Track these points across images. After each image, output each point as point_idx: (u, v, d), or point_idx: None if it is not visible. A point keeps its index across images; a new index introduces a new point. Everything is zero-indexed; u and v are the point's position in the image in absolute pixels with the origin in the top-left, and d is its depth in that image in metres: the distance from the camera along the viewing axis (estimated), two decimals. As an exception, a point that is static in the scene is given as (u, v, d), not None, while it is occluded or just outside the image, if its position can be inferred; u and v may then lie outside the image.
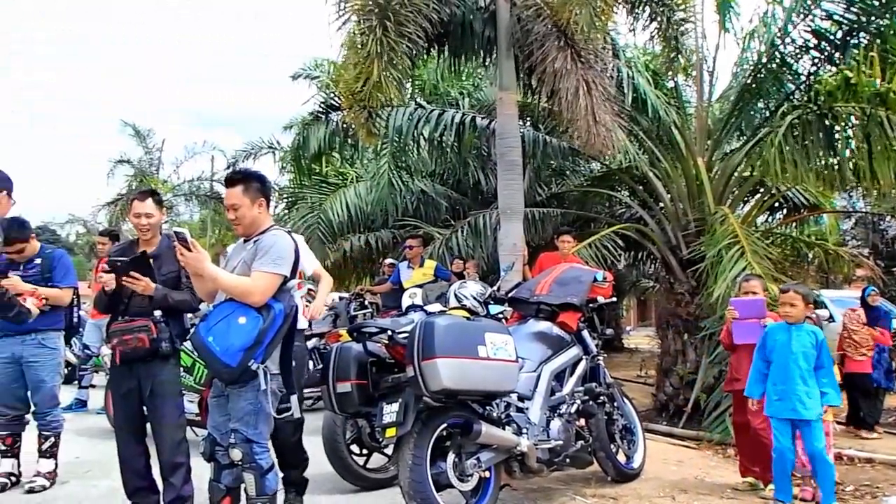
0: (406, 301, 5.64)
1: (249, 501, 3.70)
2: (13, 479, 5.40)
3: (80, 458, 6.29)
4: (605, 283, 5.76)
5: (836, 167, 8.00)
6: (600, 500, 5.20)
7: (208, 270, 3.58)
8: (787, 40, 9.26)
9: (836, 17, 8.90)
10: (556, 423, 4.93)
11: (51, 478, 5.45)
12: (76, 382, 9.62)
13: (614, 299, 6.20)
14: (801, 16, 9.06)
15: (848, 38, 8.90)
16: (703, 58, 10.08)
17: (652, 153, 10.15)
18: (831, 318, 10.39)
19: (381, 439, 4.53)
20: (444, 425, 4.30)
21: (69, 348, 7.98)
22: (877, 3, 8.57)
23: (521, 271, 8.36)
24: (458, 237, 11.73)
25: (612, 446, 5.55)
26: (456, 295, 5.52)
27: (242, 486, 3.73)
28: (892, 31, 8.31)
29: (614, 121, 8.49)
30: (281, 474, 4.42)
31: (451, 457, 4.29)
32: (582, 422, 5.31)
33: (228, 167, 20.89)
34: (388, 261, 11.82)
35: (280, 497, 4.05)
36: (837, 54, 9.00)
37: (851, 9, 8.71)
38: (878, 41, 8.30)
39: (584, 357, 5.46)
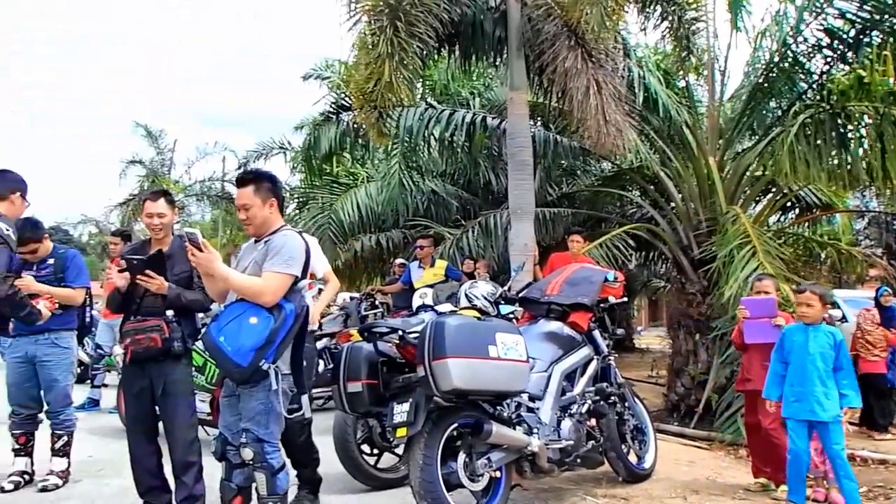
0: (417, 301, 5.64)
1: (260, 500, 3.72)
2: (27, 477, 5.44)
3: (93, 457, 6.32)
4: (615, 283, 5.75)
5: (849, 166, 7.96)
6: (611, 501, 5.19)
7: (219, 270, 3.59)
8: (800, 39, 9.21)
9: (849, 16, 8.85)
10: (566, 424, 4.92)
11: (64, 476, 5.48)
12: (89, 382, 9.67)
13: (625, 299, 6.19)
14: (814, 14, 9.01)
15: (861, 37, 8.85)
16: (715, 57, 10.05)
17: (663, 153, 10.12)
18: (844, 319, 10.33)
19: (391, 439, 4.52)
20: (455, 425, 4.29)
21: (82, 348, 8.01)
22: (890, 1, 8.51)
23: (531, 271, 8.36)
24: (469, 237, 11.73)
25: (623, 446, 5.54)
26: (467, 295, 5.52)
27: (253, 485, 3.74)
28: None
29: (625, 120, 8.47)
30: (294, 472, 4.44)
31: (461, 457, 4.29)
32: (593, 422, 5.30)
33: (239, 167, 20.97)
34: (399, 261, 11.83)
35: (291, 494, 4.06)
36: (850, 53, 8.96)
37: (864, 7, 8.66)
38: (892, 39, 8.26)
39: (594, 357, 5.45)
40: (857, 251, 12.27)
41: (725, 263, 7.88)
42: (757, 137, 9.98)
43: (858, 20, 8.80)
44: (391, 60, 8.12)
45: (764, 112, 9.90)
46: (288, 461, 4.09)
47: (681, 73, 10.25)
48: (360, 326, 5.96)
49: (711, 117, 10.03)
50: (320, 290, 5.40)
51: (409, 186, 13.82)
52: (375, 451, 5.50)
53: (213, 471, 4.19)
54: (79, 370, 7.10)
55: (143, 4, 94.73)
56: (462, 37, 9.61)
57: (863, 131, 7.74)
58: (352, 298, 11.05)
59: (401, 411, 4.25)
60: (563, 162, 13.01)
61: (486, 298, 5.46)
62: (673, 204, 10.43)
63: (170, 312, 4.31)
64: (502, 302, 5.61)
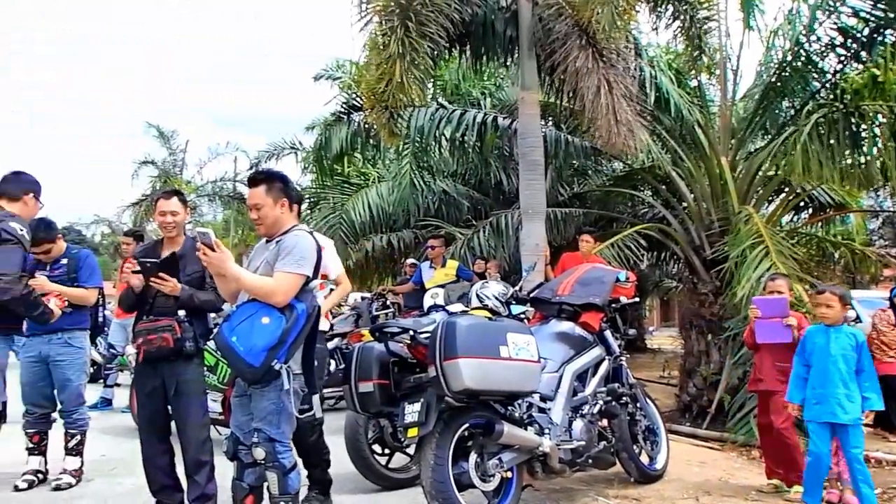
0: (428, 301, 5.64)
1: (272, 500, 3.73)
2: (40, 476, 5.47)
3: (106, 457, 6.35)
4: (627, 284, 5.73)
5: (863, 166, 7.91)
6: (623, 502, 5.18)
7: (231, 270, 3.59)
8: (813, 38, 9.15)
9: (862, 14, 8.79)
10: (578, 424, 4.91)
11: (77, 475, 5.51)
12: (101, 381, 9.71)
13: (637, 299, 6.17)
14: (827, 13, 8.95)
15: (875, 36, 8.79)
16: (727, 56, 10.01)
17: (675, 152, 10.09)
18: (858, 319, 10.25)
19: (403, 439, 4.52)
20: (466, 425, 4.29)
21: (95, 347, 8.06)
22: (904, -1, 8.46)
23: (543, 271, 8.35)
24: (480, 237, 11.72)
25: (634, 447, 5.53)
26: (478, 295, 5.52)
27: (265, 484, 3.75)
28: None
29: (636, 120, 8.44)
30: (305, 472, 4.45)
31: (473, 457, 4.29)
32: (604, 422, 5.29)
33: (251, 168, 21.03)
34: (410, 261, 11.84)
35: (302, 494, 4.07)
36: (864, 52, 8.90)
37: (878, 5, 8.59)
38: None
39: (606, 357, 5.44)
40: (871, 251, 12.19)
41: (738, 263, 7.84)
42: (770, 137, 9.93)
43: (872, 19, 8.74)
44: (402, 61, 8.12)
45: (777, 111, 9.85)
46: (299, 461, 4.10)
47: (693, 72, 10.21)
48: (372, 326, 5.97)
49: (724, 117, 9.99)
50: (331, 291, 5.41)
51: (420, 186, 13.81)
52: (387, 450, 5.51)
53: (224, 470, 4.21)
54: (92, 370, 7.14)
55: (143, 4, 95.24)
56: (473, 37, 9.61)
57: (877, 130, 7.70)
58: (363, 298, 11.07)
59: (412, 411, 4.25)
60: (574, 162, 12.98)
61: (497, 298, 5.46)
62: (685, 204, 10.40)
63: (181, 312, 4.33)
64: (513, 302, 5.60)
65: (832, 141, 7.75)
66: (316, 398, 3.84)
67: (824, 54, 9.26)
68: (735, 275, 7.84)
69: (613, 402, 5.27)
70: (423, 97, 9.80)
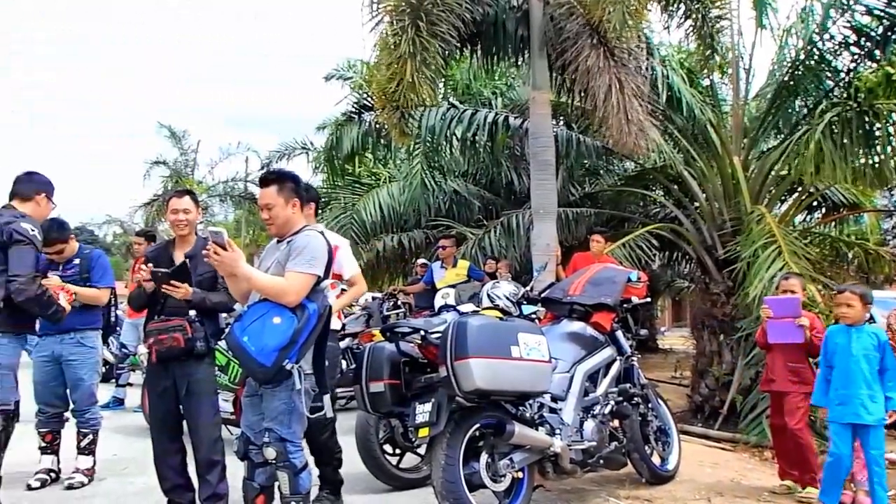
0: (439, 301, 5.63)
1: (283, 500, 3.73)
2: (53, 475, 5.50)
3: (118, 456, 6.38)
4: (639, 284, 5.71)
5: (877, 165, 7.86)
6: (634, 502, 5.17)
7: (243, 270, 3.59)
8: (826, 36, 9.11)
9: (876, 13, 8.74)
10: (589, 424, 4.90)
11: (89, 474, 5.54)
12: (114, 381, 9.75)
13: (649, 299, 6.15)
14: (840, 11, 8.91)
15: (889, 34, 8.73)
16: (740, 55, 9.97)
17: (687, 152, 10.05)
18: (872, 320, 10.18)
19: (414, 439, 4.52)
20: (477, 425, 4.29)
21: (107, 347, 8.10)
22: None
23: (554, 271, 8.33)
24: (491, 237, 11.71)
25: (646, 448, 5.51)
26: (489, 295, 5.51)
27: (276, 484, 3.76)
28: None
29: (647, 119, 8.41)
30: (316, 472, 4.45)
31: (483, 457, 4.28)
32: (616, 423, 5.28)
33: (262, 168, 21.08)
34: (421, 261, 11.84)
35: (313, 494, 4.07)
36: (878, 50, 8.85)
37: (893, 4, 8.54)
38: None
39: (617, 358, 5.42)
40: (885, 251, 12.07)
41: (750, 263, 7.80)
42: (782, 136, 9.87)
43: (886, 17, 8.68)
44: (413, 60, 8.11)
45: (789, 111, 9.80)
46: (311, 459, 4.11)
47: (705, 71, 10.16)
48: (383, 326, 5.97)
49: (736, 116, 9.95)
50: (343, 291, 5.40)
51: (432, 186, 13.81)
52: (398, 450, 5.51)
53: (235, 470, 4.21)
54: (104, 369, 7.18)
55: (143, 4, 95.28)
56: (484, 36, 9.59)
57: (891, 129, 7.65)
58: (374, 298, 11.06)
59: (423, 411, 4.24)
60: (585, 161, 12.94)
61: (508, 298, 5.44)
62: (697, 203, 10.36)
63: (192, 312, 4.35)
64: (524, 302, 5.59)
65: (845, 140, 7.70)
66: (327, 398, 3.83)
67: (838, 53, 9.21)
68: (747, 275, 7.80)
69: (625, 403, 5.26)
70: (434, 97, 9.79)
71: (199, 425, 4.39)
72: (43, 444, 5.52)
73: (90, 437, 5.59)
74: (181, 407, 4.42)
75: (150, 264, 4.40)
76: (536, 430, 4.51)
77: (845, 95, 8.47)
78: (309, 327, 3.58)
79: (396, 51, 8.20)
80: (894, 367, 4.80)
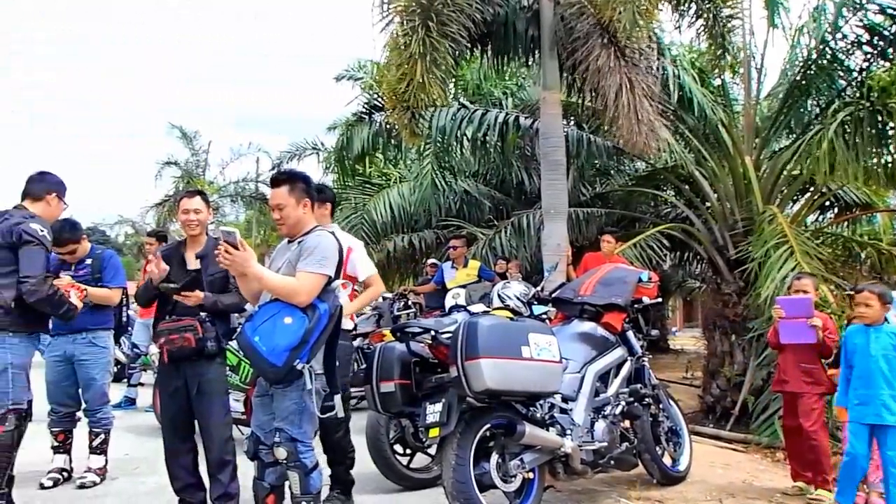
0: (449, 301, 5.63)
1: (294, 499, 3.73)
2: (65, 474, 5.54)
3: (129, 455, 6.41)
4: (650, 284, 5.69)
5: (889, 164, 7.81)
6: (645, 503, 5.14)
7: (254, 270, 3.60)
8: (839, 35, 9.06)
9: (889, 11, 8.68)
10: (600, 425, 4.89)
11: (101, 474, 5.57)
12: (125, 381, 9.79)
13: (660, 300, 6.13)
14: (853, 10, 8.85)
15: (902, 33, 8.69)
16: (751, 55, 9.93)
17: (698, 152, 10.02)
18: (885, 321, 10.12)
19: (424, 439, 4.52)
20: (488, 426, 4.28)
21: (118, 347, 8.13)
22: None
23: (564, 272, 8.32)
24: (502, 237, 11.70)
25: (657, 448, 5.49)
26: (499, 295, 5.50)
27: (286, 483, 3.76)
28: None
29: (657, 119, 8.39)
30: (328, 472, 4.46)
31: (494, 457, 4.28)
32: (627, 423, 5.26)
33: (273, 168, 21.13)
34: (431, 261, 11.84)
35: (323, 493, 4.08)
36: (891, 49, 8.81)
37: (906, 2, 8.50)
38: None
39: (628, 358, 5.41)
40: (899, 251, 12.01)
41: (762, 264, 7.77)
42: (794, 136, 9.83)
43: (899, 15, 8.63)
44: (423, 61, 8.11)
45: (801, 110, 9.75)
46: (323, 458, 4.11)
47: (716, 71, 10.12)
48: (393, 326, 5.97)
49: (748, 116, 9.91)
50: (356, 292, 5.39)
51: (442, 187, 13.82)
52: (408, 450, 5.51)
53: (247, 469, 4.22)
54: (115, 369, 7.21)
55: (143, 4, 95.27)
56: (494, 36, 9.58)
57: (903, 129, 7.59)
58: (384, 299, 11.06)
59: (433, 411, 4.24)
60: (596, 161, 12.91)
61: (518, 299, 5.44)
62: (708, 203, 10.32)
63: (203, 312, 4.36)
64: (535, 302, 5.58)
65: (858, 140, 7.66)
66: (338, 398, 3.83)
67: (850, 52, 9.16)
68: (759, 275, 7.77)
69: (636, 403, 5.25)
70: (445, 97, 9.78)
71: (211, 425, 4.41)
72: (55, 444, 5.56)
73: (102, 436, 5.62)
74: (192, 406, 4.44)
75: (164, 262, 4.43)
76: (547, 430, 4.50)
77: (858, 95, 8.42)
78: (320, 327, 3.58)
79: (406, 51, 8.20)
80: None
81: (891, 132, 7.67)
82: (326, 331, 3.63)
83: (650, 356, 5.87)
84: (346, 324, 4.66)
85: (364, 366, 4.89)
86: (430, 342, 4.53)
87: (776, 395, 6.51)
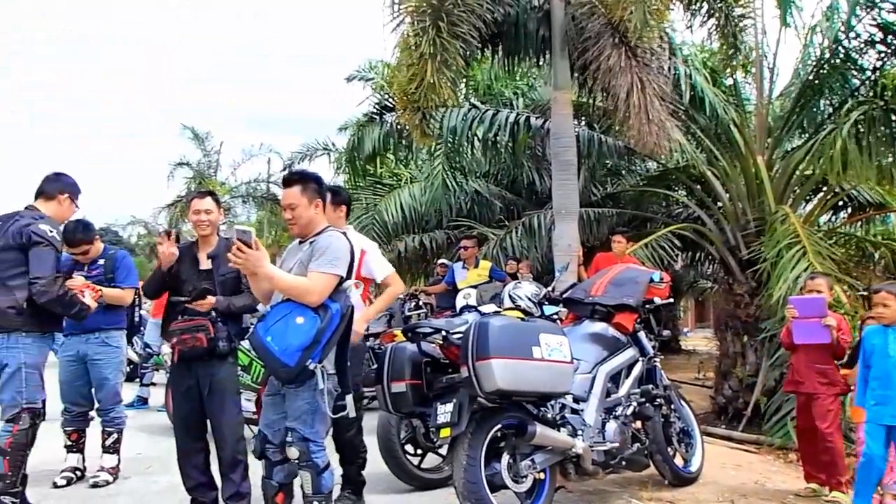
0: (460, 302, 5.62)
1: (305, 499, 3.74)
2: (78, 473, 5.57)
3: (142, 455, 6.44)
4: (661, 284, 5.67)
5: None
6: (657, 504, 5.14)
7: (265, 270, 3.60)
8: (852, 34, 9.01)
9: (903, 10, 8.64)
10: (611, 425, 4.87)
11: (114, 473, 5.60)
12: (138, 380, 9.84)
13: (671, 300, 6.11)
14: (866, 9, 8.80)
15: (916, 31, 8.63)
16: (763, 54, 9.89)
17: (710, 152, 9.99)
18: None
19: (435, 439, 4.52)
20: (499, 426, 4.28)
21: (131, 347, 8.17)
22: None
23: (575, 272, 8.31)
24: (513, 238, 11.70)
25: (669, 449, 5.47)
26: (510, 296, 5.49)
27: (296, 481, 3.77)
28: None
29: (668, 120, 8.36)
30: (339, 472, 4.46)
31: (505, 458, 4.27)
32: (638, 424, 5.24)
33: (284, 169, 21.18)
34: (442, 261, 11.85)
35: (335, 493, 4.08)
36: (905, 48, 8.74)
37: (920, 1, 8.45)
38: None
39: (640, 358, 5.39)
40: (913, 251, 11.93)
41: (774, 264, 7.74)
42: (807, 136, 9.78)
43: (914, 14, 8.58)
44: (434, 61, 8.11)
45: (814, 109, 9.70)
46: (335, 458, 4.12)
47: (728, 70, 10.09)
48: (404, 327, 5.97)
49: (760, 115, 9.87)
50: (368, 295, 5.38)
51: (453, 187, 13.81)
52: (419, 451, 5.51)
53: (258, 469, 4.22)
54: (128, 369, 7.25)
55: (143, 4, 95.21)
56: (505, 36, 9.58)
57: (919, 128, 7.54)
58: (396, 299, 11.08)
59: (444, 412, 4.24)
60: (607, 162, 12.90)
61: (529, 299, 5.42)
62: (720, 204, 10.29)
63: (214, 312, 4.38)
64: (546, 303, 5.56)
65: (871, 139, 7.62)
66: (349, 397, 3.84)
67: (864, 51, 9.12)
68: (771, 275, 7.74)
69: (647, 404, 5.23)
70: (456, 98, 9.78)
71: (223, 424, 4.42)
72: (68, 443, 5.59)
73: (115, 435, 5.66)
74: (204, 406, 4.45)
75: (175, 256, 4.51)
76: (558, 430, 4.49)
77: (871, 94, 8.39)
78: (332, 327, 3.59)
79: (417, 51, 8.20)
80: None
81: (904, 131, 7.62)
82: (338, 331, 3.64)
83: (662, 357, 5.85)
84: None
85: (375, 366, 4.88)
86: (441, 342, 4.53)
87: (789, 396, 6.48)
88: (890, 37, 8.86)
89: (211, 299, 4.37)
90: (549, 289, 5.81)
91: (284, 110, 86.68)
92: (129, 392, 7.82)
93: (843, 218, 12.59)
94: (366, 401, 7.75)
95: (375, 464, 5.19)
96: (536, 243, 11.62)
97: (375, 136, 12.12)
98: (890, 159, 7.90)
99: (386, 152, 13.31)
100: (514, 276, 9.68)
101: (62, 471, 5.49)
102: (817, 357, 5.36)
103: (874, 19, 8.83)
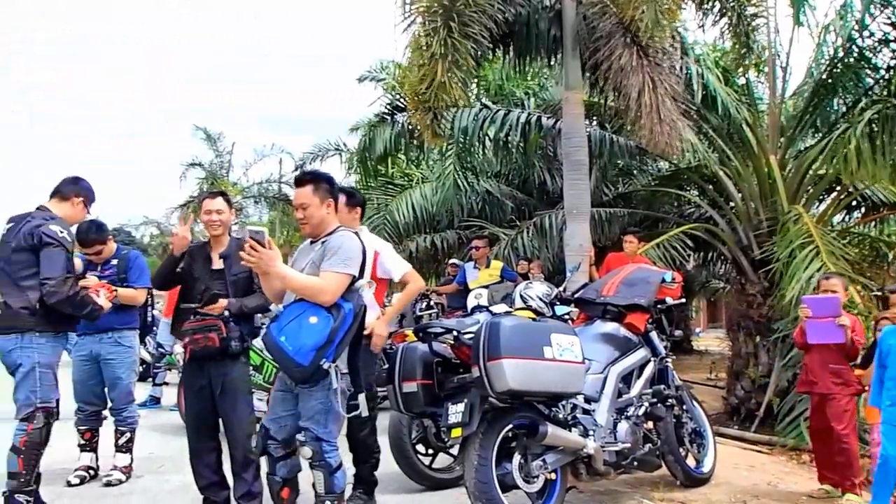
0: (472, 302, 5.62)
1: (318, 498, 3.74)
2: (91, 472, 5.60)
3: (154, 454, 6.46)
4: (673, 284, 5.65)
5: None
6: (669, 505, 5.12)
7: (277, 269, 3.61)
8: (865, 33, 8.97)
9: (917, 9, 8.58)
10: (623, 426, 4.86)
11: (126, 472, 5.62)
12: (150, 380, 9.89)
13: (683, 300, 6.09)
14: (880, 8, 8.76)
15: (930, 30, 8.57)
16: (776, 53, 9.86)
17: (722, 151, 9.96)
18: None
19: (446, 439, 4.51)
20: (510, 426, 4.27)
21: (144, 346, 8.21)
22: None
23: (587, 272, 8.29)
24: (524, 238, 11.69)
25: (681, 450, 5.45)
26: (522, 296, 5.48)
27: (304, 477, 3.78)
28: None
29: (680, 119, 8.34)
30: (351, 472, 4.47)
31: (516, 458, 4.26)
32: (650, 424, 5.23)
33: (296, 169, 21.23)
34: (453, 261, 11.85)
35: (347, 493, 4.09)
36: (919, 47, 8.69)
37: (934, -1, 8.39)
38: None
39: (652, 359, 5.37)
40: (927, 251, 11.85)
41: (787, 264, 7.71)
42: (820, 135, 9.74)
43: (927, 13, 8.53)
44: (445, 61, 8.11)
45: (828, 109, 9.67)
46: (348, 457, 4.12)
47: (740, 70, 10.05)
48: (415, 327, 5.97)
49: (772, 115, 9.83)
50: (388, 302, 5.39)
51: (464, 187, 13.82)
52: (430, 451, 5.51)
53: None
54: (141, 368, 7.28)
55: (143, 4, 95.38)
56: (516, 36, 9.58)
57: (933, 127, 7.49)
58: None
59: (456, 412, 4.24)
60: (619, 161, 12.89)
61: (541, 299, 5.41)
62: (732, 203, 10.25)
63: (227, 311, 4.40)
64: (557, 303, 5.55)
65: (885, 138, 7.58)
66: (362, 396, 3.84)
67: (877, 50, 9.07)
68: (784, 275, 7.71)
69: (659, 404, 5.21)
70: (467, 98, 9.78)
71: (235, 424, 4.44)
72: (82, 442, 5.62)
73: (128, 435, 5.69)
74: (216, 406, 4.47)
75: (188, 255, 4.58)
76: (569, 431, 4.48)
77: (885, 93, 8.35)
78: (345, 327, 3.59)
79: (428, 51, 8.21)
80: None
81: (920, 131, 7.56)
82: (351, 330, 3.64)
83: (673, 357, 5.83)
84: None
85: (387, 366, 4.89)
86: (452, 342, 4.53)
87: (802, 397, 6.45)
88: (904, 35, 8.81)
89: (223, 302, 4.39)
90: (561, 289, 5.80)
91: (284, 110, 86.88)
92: (141, 391, 7.86)
93: (857, 218, 12.50)
94: (379, 400, 7.81)
95: (387, 463, 5.19)
96: (548, 243, 11.61)
97: (387, 136, 12.14)
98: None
99: (397, 152, 13.32)
100: (525, 277, 9.68)
101: (75, 469, 5.52)
102: (831, 357, 5.33)
103: (888, 18, 8.79)
